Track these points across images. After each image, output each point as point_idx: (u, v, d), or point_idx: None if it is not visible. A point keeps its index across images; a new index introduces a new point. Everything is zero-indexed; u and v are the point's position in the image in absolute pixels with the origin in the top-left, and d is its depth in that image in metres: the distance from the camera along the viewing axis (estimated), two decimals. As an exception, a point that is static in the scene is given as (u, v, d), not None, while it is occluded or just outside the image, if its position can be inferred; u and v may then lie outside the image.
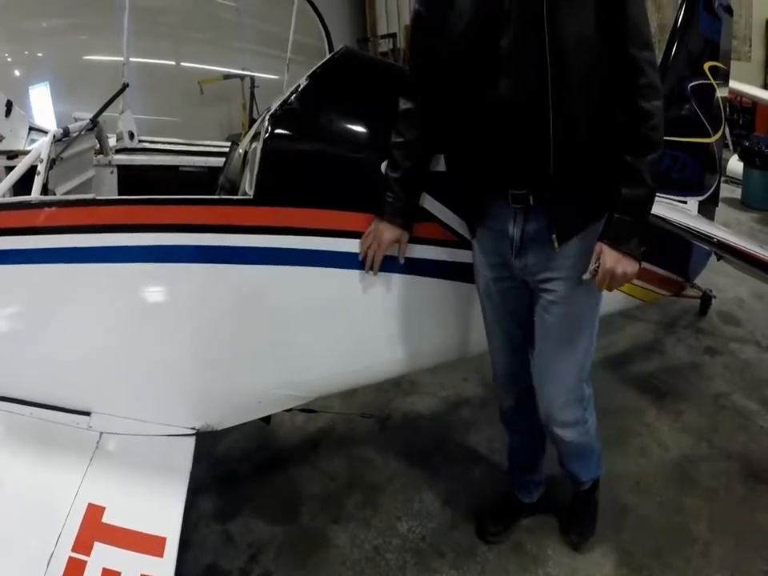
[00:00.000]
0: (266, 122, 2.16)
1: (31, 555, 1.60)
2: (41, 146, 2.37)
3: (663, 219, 3.06)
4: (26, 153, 3.23)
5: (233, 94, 9.37)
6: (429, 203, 2.29)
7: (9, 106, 3.38)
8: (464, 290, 2.45)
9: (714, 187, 3.89)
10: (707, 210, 3.85)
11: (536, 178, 1.93)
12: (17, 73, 4.25)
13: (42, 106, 4.25)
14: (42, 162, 2.28)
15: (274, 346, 2.27)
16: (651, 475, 3.02)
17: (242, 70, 6.73)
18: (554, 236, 1.97)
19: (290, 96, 2.18)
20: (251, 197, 2.12)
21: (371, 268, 2.20)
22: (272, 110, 2.19)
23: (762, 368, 3.92)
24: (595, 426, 2.45)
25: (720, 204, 4.15)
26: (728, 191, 7.28)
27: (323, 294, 2.26)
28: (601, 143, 1.92)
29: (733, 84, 7.14)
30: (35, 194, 2.15)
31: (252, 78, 6.65)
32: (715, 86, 3.69)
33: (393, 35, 14.46)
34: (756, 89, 7.48)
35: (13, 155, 3.23)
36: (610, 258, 1.91)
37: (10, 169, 3.18)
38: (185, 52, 5.04)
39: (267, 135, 2.12)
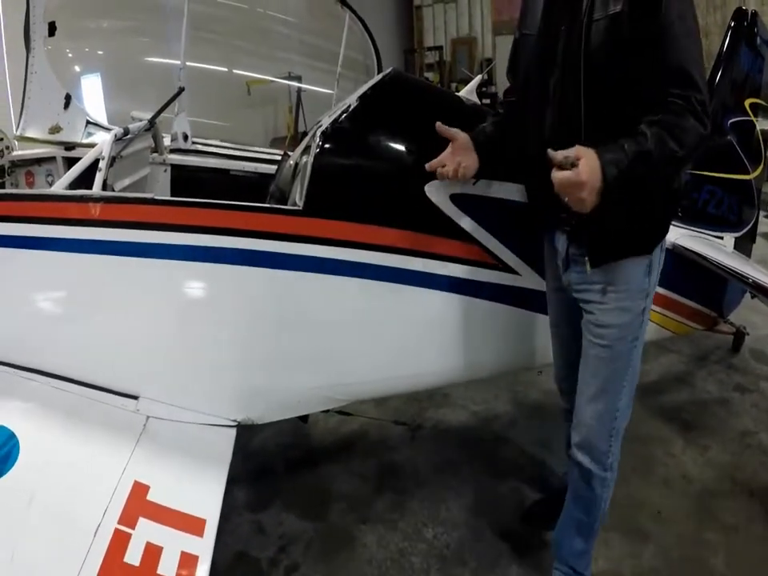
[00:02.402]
0: (317, 138, 2.27)
1: (80, 524, 1.68)
2: (102, 144, 2.49)
3: (698, 254, 3.12)
4: (83, 145, 3.37)
5: (279, 96, 9.48)
6: (479, 232, 2.40)
7: (68, 99, 3.53)
8: (501, 311, 2.55)
9: (751, 224, 3.88)
10: (744, 246, 3.85)
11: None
12: (76, 68, 4.36)
13: (94, 97, 4.35)
14: (103, 159, 2.39)
15: (316, 350, 2.36)
16: (673, 506, 3.04)
17: (289, 73, 6.85)
18: (587, 258, 2.07)
19: (340, 115, 2.30)
20: (300, 208, 2.23)
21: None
22: (323, 127, 2.30)
23: (791, 410, 3.88)
24: (608, 500, 2.36)
25: (760, 239, 4.12)
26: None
27: (364, 305, 2.36)
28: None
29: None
30: (96, 189, 2.27)
31: (299, 82, 6.77)
32: (755, 122, 3.69)
33: (439, 48, 14.55)
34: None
35: (71, 147, 3.37)
36: (590, 168, 1.71)
37: (67, 159, 3.32)
38: (234, 59, 5.15)
39: (318, 151, 2.24)
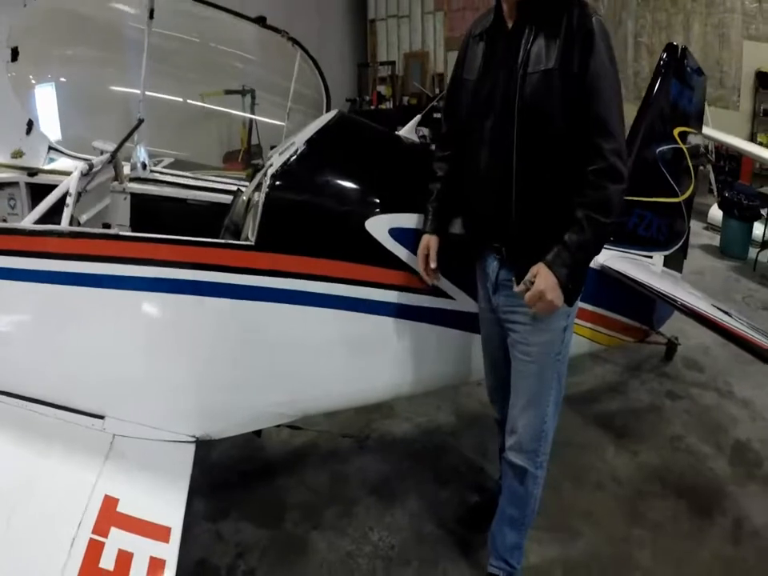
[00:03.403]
0: (268, 179, 2.47)
1: (57, 536, 1.84)
2: (69, 181, 2.59)
3: (625, 276, 3.35)
4: (45, 171, 3.44)
5: (233, 110, 9.53)
6: (415, 262, 2.59)
7: (30, 124, 3.53)
8: (439, 332, 2.77)
9: (681, 242, 4.07)
10: (675, 260, 4.06)
11: (504, 236, 2.33)
12: (38, 94, 4.41)
13: (54, 123, 4.38)
14: (71, 195, 2.52)
15: (269, 372, 2.57)
16: (604, 507, 3.23)
17: (243, 86, 6.92)
18: (514, 278, 2.32)
19: (289, 158, 2.51)
20: (253, 243, 2.42)
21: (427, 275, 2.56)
22: (274, 168, 2.51)
23: (719, 414, 4.11)
24: (539, 496, 2.60)
25: (698, 250, 4.24)
26: (708, 238, 7.51)
27: (313, 329, 2.56)
28: (560, 213, 2.19)
29: (719, 135, 7.39)
30: (64, 224, 2.43)
31: (253, 95, 6.85)
32: (685, 150, 3.87)
33: (392, 63, 14.64)
34: (740, 141, 7.79)
35: (33, 173, 3.43)
36: (545, 281, 2.15)
37: (30, 186, 3.40)
38: (190, 88, 5.23)
39: (268, 191, 2.45)
